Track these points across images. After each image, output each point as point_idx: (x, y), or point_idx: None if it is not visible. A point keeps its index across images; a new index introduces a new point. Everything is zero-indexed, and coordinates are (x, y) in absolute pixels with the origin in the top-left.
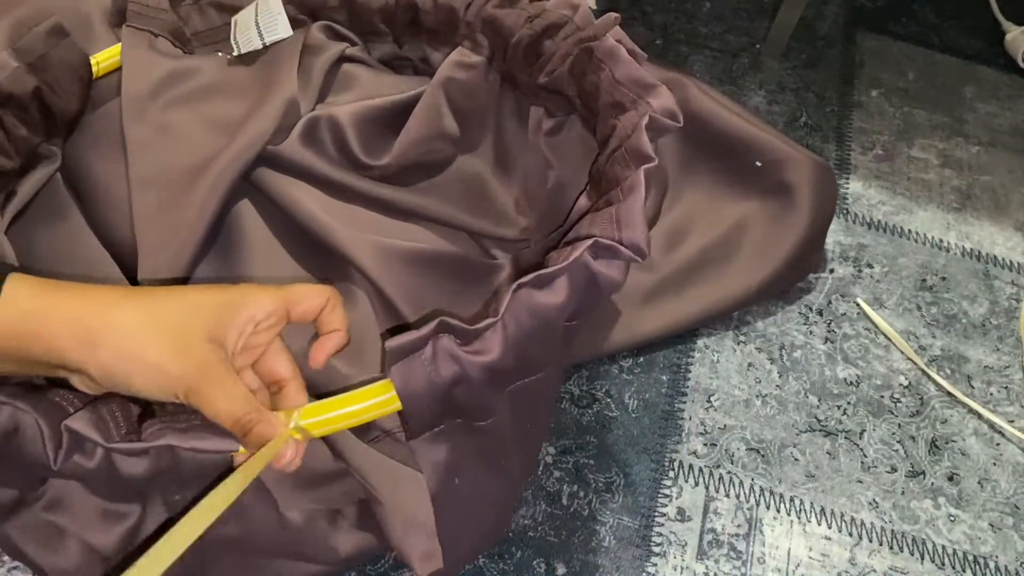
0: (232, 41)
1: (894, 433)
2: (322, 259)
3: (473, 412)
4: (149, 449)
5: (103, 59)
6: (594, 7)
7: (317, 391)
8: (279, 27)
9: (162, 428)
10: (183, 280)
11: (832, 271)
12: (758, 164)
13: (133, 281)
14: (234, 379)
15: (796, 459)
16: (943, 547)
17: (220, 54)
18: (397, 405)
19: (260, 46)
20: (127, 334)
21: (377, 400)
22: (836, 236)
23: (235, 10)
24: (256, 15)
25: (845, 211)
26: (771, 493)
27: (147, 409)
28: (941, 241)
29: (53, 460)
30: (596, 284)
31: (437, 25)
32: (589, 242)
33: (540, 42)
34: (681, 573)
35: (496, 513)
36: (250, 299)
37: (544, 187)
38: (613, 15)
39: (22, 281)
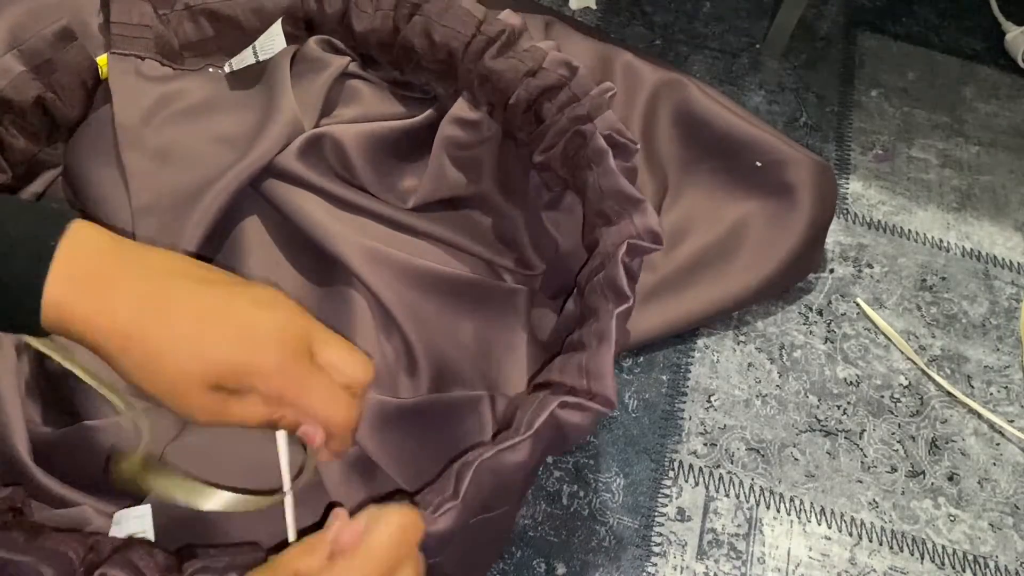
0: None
1: (894, 433)
2: (323, 266)
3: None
4: None
5: (103, 63)
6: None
7: None
8: (275, 45)
9: (204, 568)
10: None
11: (832, 271)
12: (758, 164)
13: None
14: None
15: (796, 459)
16: (943, 547)
17: (211, 69)
18: None
19: (254, 62)
20: (151, 323)
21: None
22: (836, 236)
23: (227, 20)
24: None
25: (845, 211)
26: (771, 493)
27: (177, 552)
28: (941, 241)
29: None
30: (563, 434)
31: (436, 66)
32: (554, 402)
33: (538, 104)
34: (681, 573)
35: None
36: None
37: (548, 246)
38: (610, 89)
39: (87, 232)
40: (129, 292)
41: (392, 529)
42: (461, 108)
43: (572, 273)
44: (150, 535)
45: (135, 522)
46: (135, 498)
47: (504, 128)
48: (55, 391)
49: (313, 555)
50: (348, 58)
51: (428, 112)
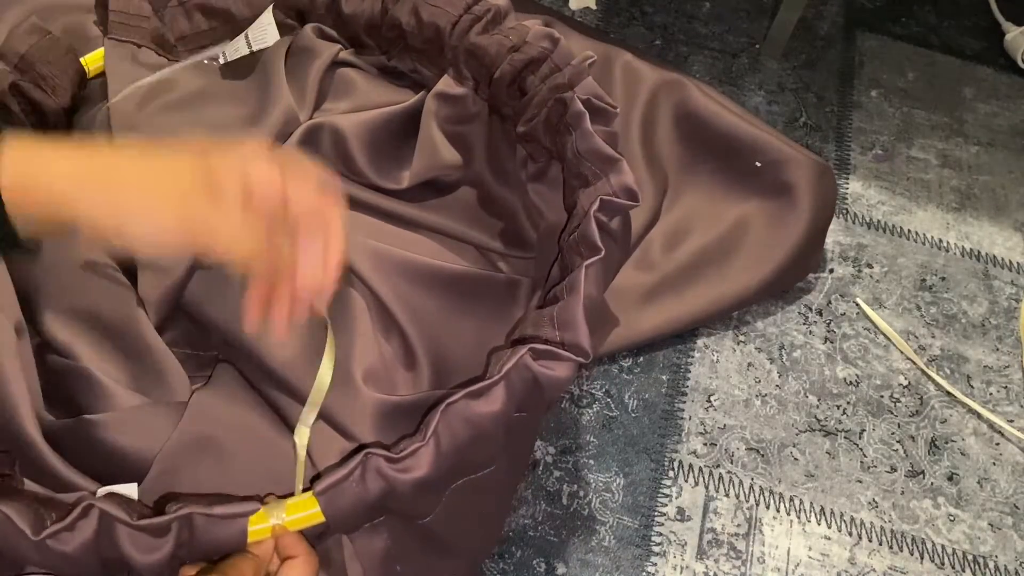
0: (220, 48)
1: (894, 433)
2: None
3: (408, 514)
4: (171, 524)
5: (94, 59)
6: (594, 7)
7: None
8: (268, 36)
9: (182, 505)
10: (181, 286)
11: (832, 271)
12: (758, 164)
13: (134, 280)
14: (240, 214)
15: (796, 459)
16: (943, 547)
17: (206, 61)
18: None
19: (247, 53)
20: (130, 170)
21: (308, 513)
22: (836, 236)
23: (222, 14)
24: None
25: (845, 211)
26: (771, 493)
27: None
28: (941, 241)
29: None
30: (538, 384)
31: (423, 45)
32: (524, 350)
33: (522, 77)
34: (681, 573)
35: None
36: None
37: (539, 219)
38: (590, 57)
39: (18, 140)
40: (74, 154)
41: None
42: (445, 83)
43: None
44: None
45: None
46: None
47: (490, 104)
48: (56, 385)
49: None
50: (339, 46)
51: (421, 94)
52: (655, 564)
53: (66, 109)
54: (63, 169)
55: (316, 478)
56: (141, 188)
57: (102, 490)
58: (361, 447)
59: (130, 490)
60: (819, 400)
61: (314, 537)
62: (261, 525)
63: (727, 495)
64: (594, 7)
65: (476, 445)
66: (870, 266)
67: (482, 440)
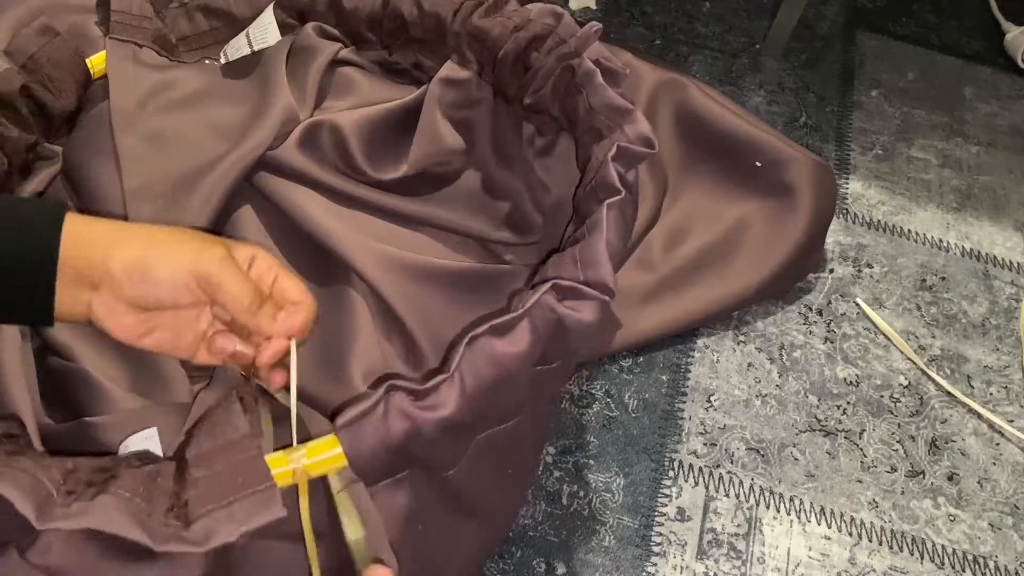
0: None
1: (894, 433)
2: (321, 264)
3: (432, 464)
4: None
5: (98, 61)
6: (594, 7)
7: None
8: (268, 35)
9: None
10: None
11: (832, 271)
12: (758, 164)
13: None
14: (245, 274)
15: (796, 459)
16: (943, 547)
17: (208, 61)
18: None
19: (249, 52)
20: (152, 232)
21: (330, 454)
22: (836, 236)
23: (223, 15)
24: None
25: (845, 211)
26: (771, 493)
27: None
28: (941, 241)
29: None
30: (563, 327)
31: (425, 35)
32: (547, 285)
33: (527, 55)
34: (681, 573)
35: (469, 556)
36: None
37: (545, 199)
38: (595, 26)
39: (79, 219)
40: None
41: None
42: (449, 68)
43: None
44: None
45: (143, 444)
46: None
47: (494, 85)
48: (56, 387)
49: None
50: (339, 44)
51: (422, 89)
52: (655, 564)
53: (71, 112)
54: (105, 235)
55: (334, 416)
56: (168, 239)
57: (125, 442)
58: (383, 379)
59: (151, 435)
60: (819, 400)
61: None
62: (281, 468)
63: (727, 495)
64: (594, 7)
65: (501, 387)
66: (870, 266)
67: (507, 382)
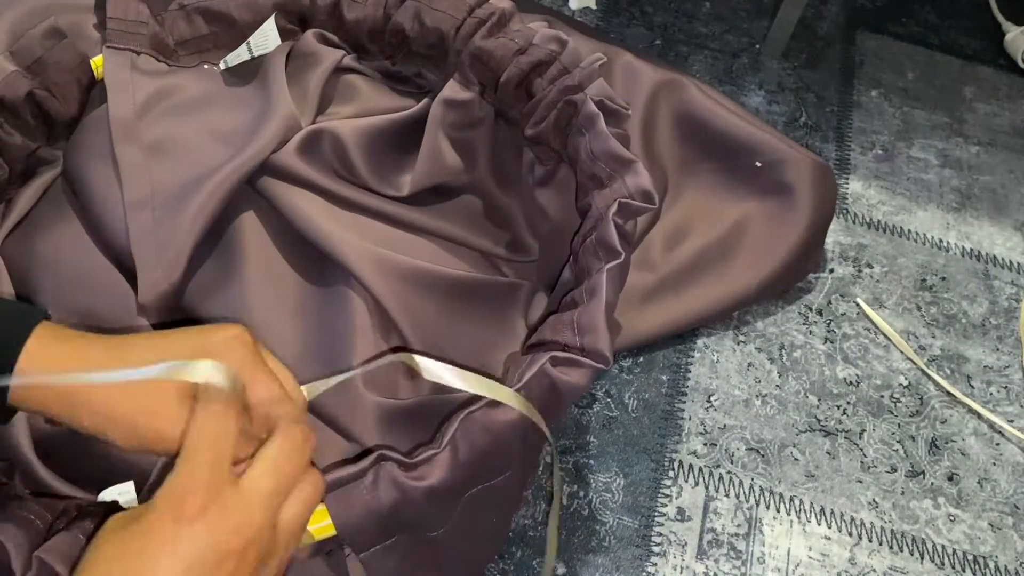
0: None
1: (894, 433)
2: (321, 268)
3: (422, 528)
4: None
5: (100, 62)
6: (594, 7)
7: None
8: (269, 41)
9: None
10: (181, 288)
11: (832, 271)
12: (758, 164)
13: (134, 282)
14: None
15: (796, 459)
16: (943, 547)
17: (206, 66)
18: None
19: (248, 58)
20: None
21: (320, 526)
22: (836, 236)
23: (223, 19)
24: None
25: (845, 211)
26: (771, 493)
27: None
28: (941, 241)
29: None
30: (556, 390)
31: (427, 50)
32: (545, 357)
33: (529, 80)
34: (681, 573)
35: None
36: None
37: (542, 225)
38: (598, 58)
39: (48, 331)
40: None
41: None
42: (452, 89)
43: (566, 253)
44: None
45: (117, 497)
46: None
47: (496, 108)
48: None
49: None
50: (342, 52)
51: (424, 102)
52: (655, 564)
53: (74, 118)
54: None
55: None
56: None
57: (102, 493)
58: (371, 450)
59: (127, 489)
60: (819, 400)
61: (324, 552)
62: None
63: (727, 495)
64: (594, 7)
65: (493, 453)
66: (870, 266)
67: (499, 448)
